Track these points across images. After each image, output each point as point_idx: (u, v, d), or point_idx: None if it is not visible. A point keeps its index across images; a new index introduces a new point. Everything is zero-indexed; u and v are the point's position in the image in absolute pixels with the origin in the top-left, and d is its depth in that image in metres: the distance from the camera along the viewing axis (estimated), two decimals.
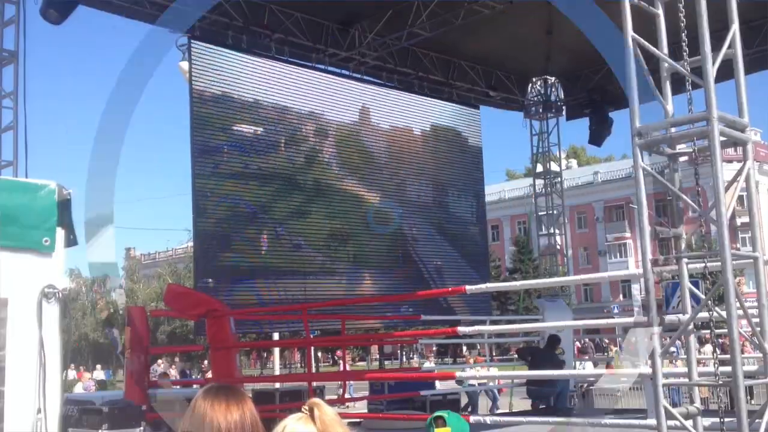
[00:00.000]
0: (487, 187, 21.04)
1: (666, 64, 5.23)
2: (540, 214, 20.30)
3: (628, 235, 62.78)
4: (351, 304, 13.99)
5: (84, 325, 59.07)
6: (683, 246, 5.26)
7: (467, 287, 8.18)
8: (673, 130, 5.17)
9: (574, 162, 72.24)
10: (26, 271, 3.43)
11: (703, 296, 8.55)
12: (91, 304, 62.14)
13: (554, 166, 20.17)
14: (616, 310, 46.30)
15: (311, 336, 11.10)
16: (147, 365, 11.16)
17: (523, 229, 66.11)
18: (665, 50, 5.34)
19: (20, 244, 3.44)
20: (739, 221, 48.54)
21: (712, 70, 4.85)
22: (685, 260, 5.26)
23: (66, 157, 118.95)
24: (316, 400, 3.54)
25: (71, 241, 3.66)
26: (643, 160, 5.16)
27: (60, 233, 3.58)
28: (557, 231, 20.38)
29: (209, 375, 18.52)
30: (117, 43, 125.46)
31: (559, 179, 20.28)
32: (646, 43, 5.14)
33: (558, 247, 20.79)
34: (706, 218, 4.92)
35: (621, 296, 59.91)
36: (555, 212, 20.06)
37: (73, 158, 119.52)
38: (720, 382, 4.66)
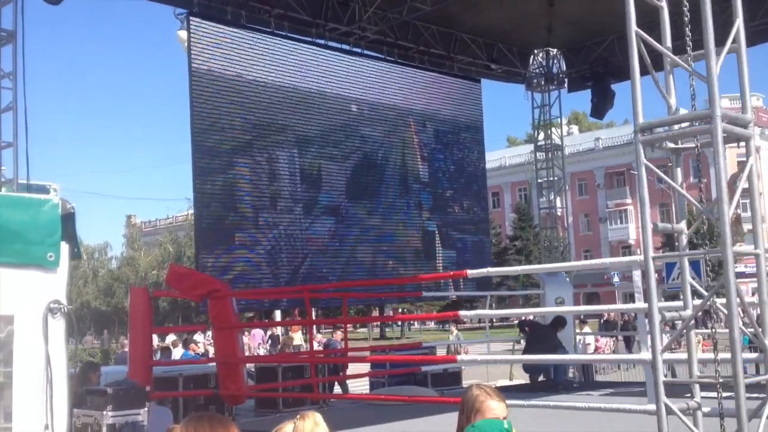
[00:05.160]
0: (488, 154, 21.06)
1: (669, 59, 5.20)
2: (540, 181, 20.35)
3: (629, 201, 62.81)
4: (352, 287, 14.02)
5: (86, 293, 59.34)
6: (685, 242, 5.27)
7: (468, 272, 8.22)
8: (675, 127, 5.15)
9: (575, 128, 72.00)
10: (31, 287, 3.44)
11: (702, 279, 8.56)
12: (92, 272, 62.30)
13: (555, 138, 20.12)
14: (616, 278, 46.43)
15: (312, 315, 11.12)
16: (150, 345, 11.24)
17: (524, 196, 66.11)
18: (668, 44, 5.30)
19: (25, 260, 3.45)
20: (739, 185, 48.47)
21: (715, 67, 4.82)
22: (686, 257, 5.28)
23: (67, 136, 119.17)
24: (309, 413, 3.58)
25: (75, 254, 3.67)
26: (645, 156, 5.15)
27: (64, 247, 3.59)
28: (558, 199, 20.44)
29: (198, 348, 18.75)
30: (115, 17, 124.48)
31: (560, 152, 20.25)
32: (650, 38, 5.10)
33: (559, 214, 20.89)
34: (708, 215, 4.93)
35: (622, 257, 60.03)
36: (555, 178, 20.08)
37: (74, 136, 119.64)
38: (720, 380, 4.70)
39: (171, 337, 27.19)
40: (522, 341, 14.17)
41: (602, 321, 27.09)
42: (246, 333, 27.59)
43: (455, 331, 23.86)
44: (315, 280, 14.42)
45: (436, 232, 16.87)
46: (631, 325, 25.83)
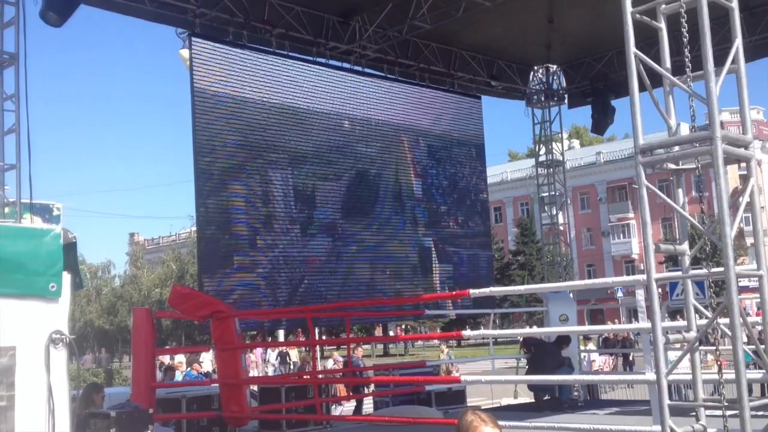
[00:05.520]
0: (489, 169, 21.10)
1: (669, 80, 5.21)
2: (542, 195, 20.37)
3: (631, 215, 62.77)
4: (354, 306, 14.00)
5: (89, 312, 59.21)
6: (687, 263, 5.27)
7: (471, 291, 8.20)
8: (676, 148, 5.16)
9: (576, 142, 72.09)
10: (33, 318, 3.44)
11: (706, 296, 8.52)
12: (95, 291, 62.18)
13: (556, 154, 20.16)
14: (619, 292, 46.33)
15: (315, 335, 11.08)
16: (153, 367, 11.20)
17: (526, 211, 66.12)
18: (668, 65, 5.32)
19: (27, 291, 3.45)
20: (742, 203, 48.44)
21: (715, 89, 4.83)
22: (689, 278, 5.27)
23: (70, 158, 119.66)
24: None
25: (77, 285, 3.67)
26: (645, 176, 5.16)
27: (66, 278, 3.59)
28: (560, 213, 20.45)
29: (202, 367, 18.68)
30: (117, 39, 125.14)
31: (562, 168, 20.28)
32: (649, 60, 5.12)
33: (561, 228, 20.91)
34: (710, 237, 4.93)
35: (625, 277, 59.91)
36: (557, 193, 20.10)
37: (76, 158, 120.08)
38: (725, 404, 4.68)
39: (180, 357, 26.98)
40: (523, 359, 14.14)
41: (601, 339, 26.99)
42: (252, 351, 27.63)
43: (446, 350, 23.68)
44: (314, 298, 14.44)
45: (432, 248, 16.88)
46: (629, 342, 25.77)
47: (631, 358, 24.31)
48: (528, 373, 13.41)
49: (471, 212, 18.03)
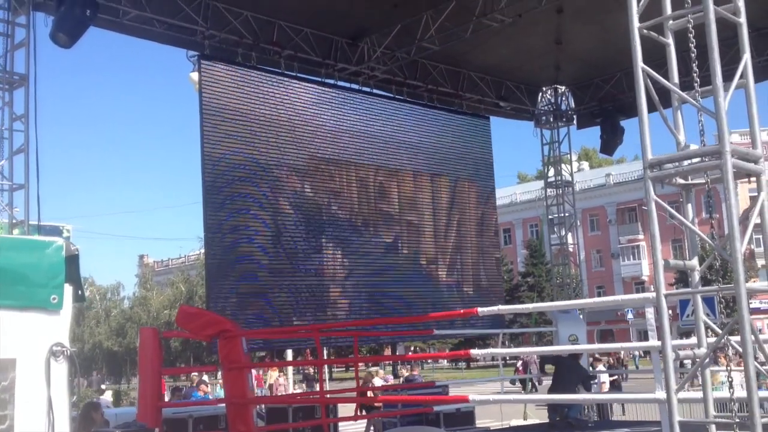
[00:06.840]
0: (499, 190, 21.05)
1: (677, 95, 5.18)
2: (551, 217, 20.30)
3: (641, 237, 62.52)
4: (362, 326, 13.95)
5: (98, 334, 59.21)
6: (697, 278, 5.21)
7: (479, 309, 8.14)
8: (685, 163, 5.12)
9: (585, 164, 71.99)
10: (34, 331, 3.41)
11: (716, 316, 8.45)
12: (104, 312, 62.22)
13: (566, 175, 20.10)
14: (629, 314, 46.05)
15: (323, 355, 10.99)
16: (159, 386, 11.14)
17: (536, 233, 65.93)
18: (676, 80, 5.29)
19: (28, 303, 3.42)
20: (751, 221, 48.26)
21: (723, 103, 4.80)
22: (699, 295, 5.21)
23: (80, 180, 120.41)
24: None
25: (79, 297, 3.64)
26: (655, 191, 5.11)
27: (68, 290, 3.56)
28: (569, 235, 20.36)
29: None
30: (129, 57, 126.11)
31: (571, 188, 20.21)
32: (657, 75, 5.09)
33: (570, 250, 20.80)
34: (721, 252, 4.87)
35: (634, 294, 59.53)
36: (566, 214, 20.02)
37: (86, 181, 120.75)
38: (737, 420, 4.60)
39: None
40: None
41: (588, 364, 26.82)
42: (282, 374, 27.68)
43: (416, 372, 23.32)
44: (324, 309, 14.42)
45: (438, 261, 16.86)
46: (623, 365, 25.57)
47: (622, 378, 24.05)
48: (551, 390, 13.26)
49: (482, 233, 17.99)
